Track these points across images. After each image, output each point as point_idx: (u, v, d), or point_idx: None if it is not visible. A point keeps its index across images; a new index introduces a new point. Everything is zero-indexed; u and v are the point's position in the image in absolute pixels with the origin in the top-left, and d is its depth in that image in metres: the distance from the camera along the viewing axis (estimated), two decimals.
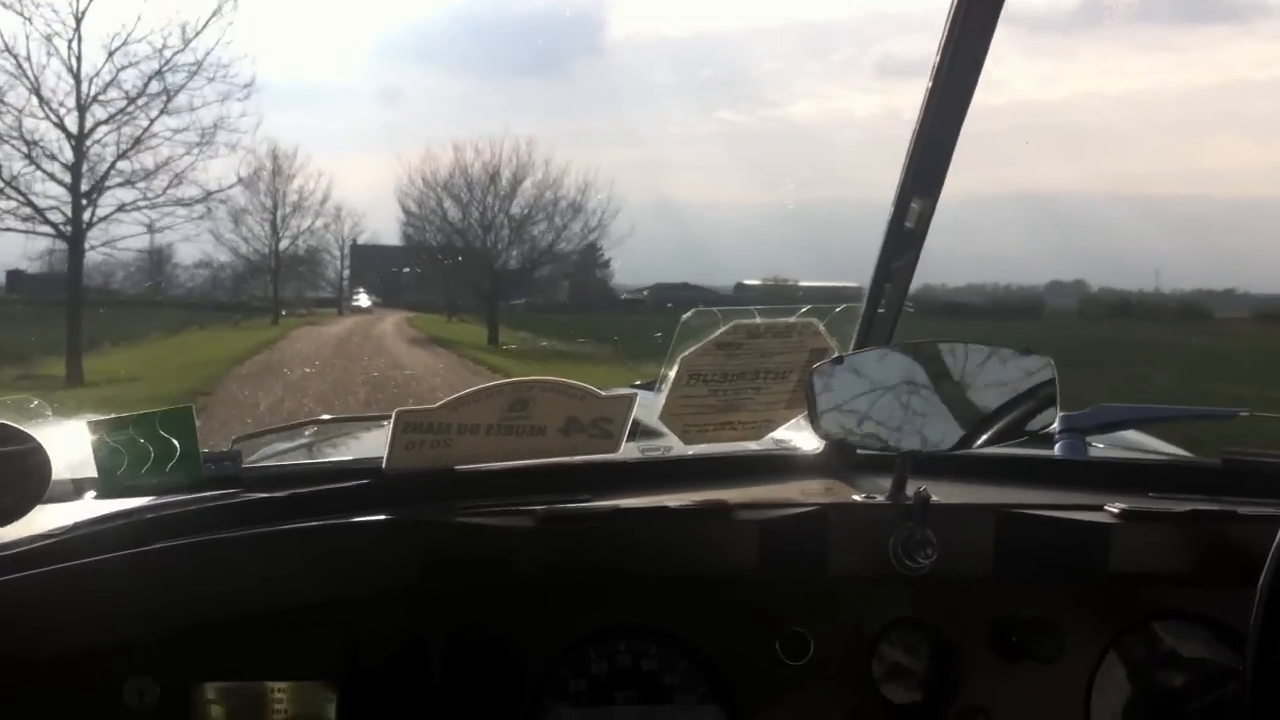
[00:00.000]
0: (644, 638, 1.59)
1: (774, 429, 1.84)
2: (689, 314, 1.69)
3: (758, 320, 1.71)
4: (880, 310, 1.84)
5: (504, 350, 22.03)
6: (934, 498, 1.60)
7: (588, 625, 1.58)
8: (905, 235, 1.79)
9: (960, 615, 1.65)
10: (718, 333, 1.69)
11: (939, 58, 1.63)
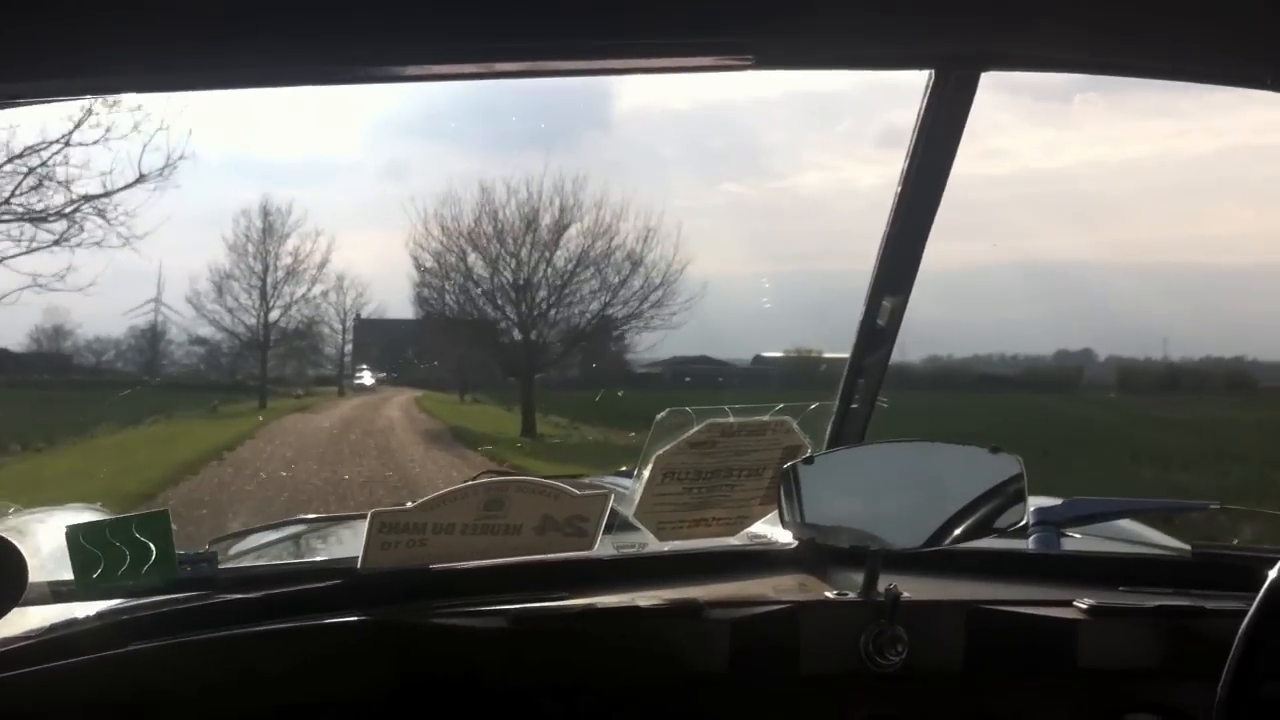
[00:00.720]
0: None
1: (749, 525, 1.85)
2: (662, 414, 1.71)
3: (731, 419, 1.73)
4: (854, 406, 1.86)
5: (547, 443, 18.00)
6: (905, 594, 1.62)
7: None
8: (877, 333, 1.82)
9: (932, 711, 1.66)
10: (691, 432, 1.71)
11: (906, 164, 1.67)
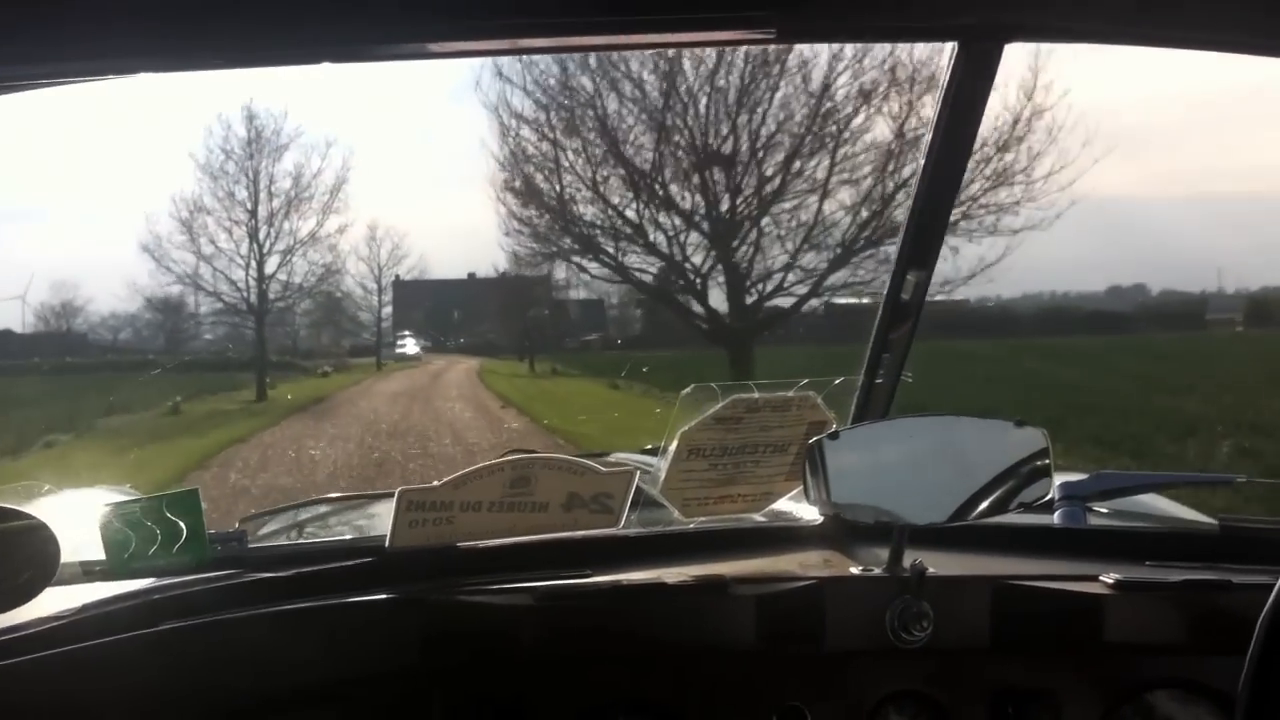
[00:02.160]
0: (643, 713, 1.60)
1: (774, 501, 1.86)
2: (687, 390, 1.72)
3: (755, 395, 1.73)
4: (878, 380, 1.86)
5: None
6: (930, 569, 1.62)
7: (588, 701, 1.59)
8: (902, 307, 1.82)
9: (957, 686, 1.66)
10: (716, 407, 1.71)
11: (930, 138, 1.67)
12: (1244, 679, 1.31)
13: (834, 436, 1.66)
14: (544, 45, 1.35)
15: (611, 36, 1.40)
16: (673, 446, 1.72)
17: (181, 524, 1.54)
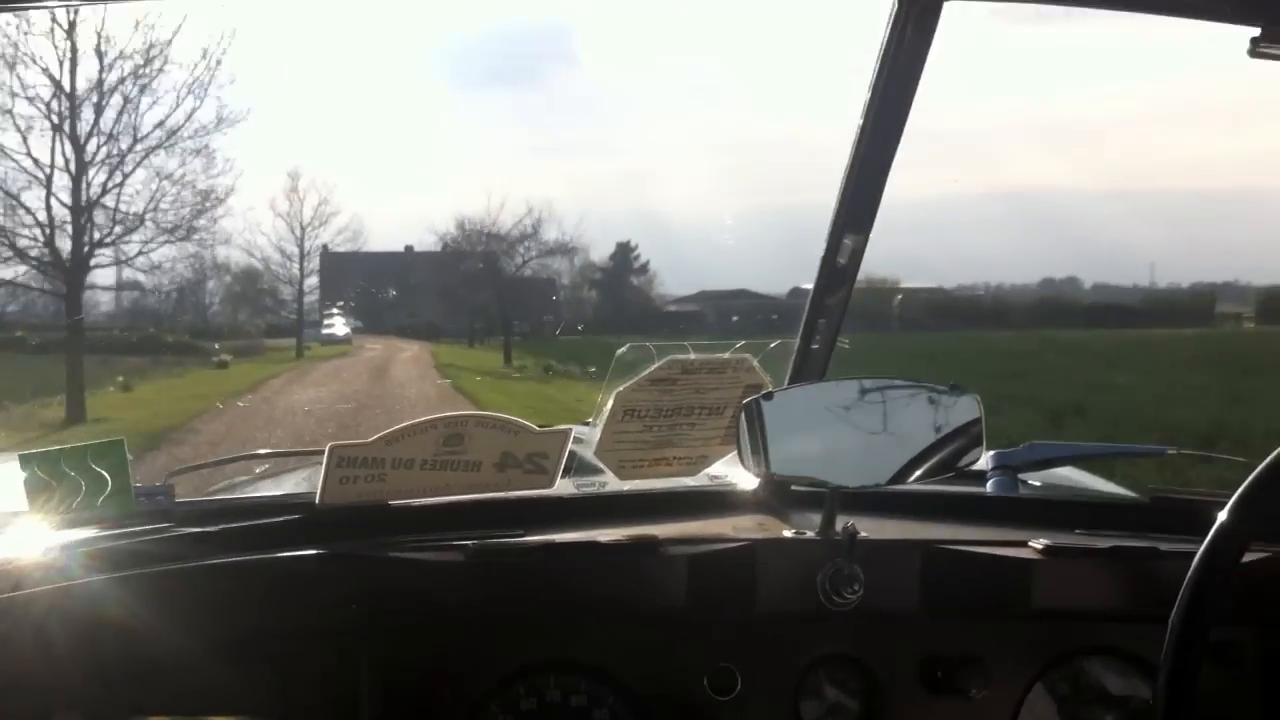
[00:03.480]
0: (573, 673, 1.60)
1: (709, 465, 1.86)
2: (623, 349, 1.71)
3: (692, 356, 1.73)
4: (814, 346, 1.87)
5: None
6: (862, 533, 1.63)
7: (517, 661, 1.59)
8: (838, 271, 1.82)
9: (887, 650, 1.67)
10: (652, 368, 1.71)
11: (868, 98, 1.67)
12: (1166, 644, 1.33)
13: (768, 397, 1.66)
14: None
15: None
16: (608, 406, 1.72)
17: (106, 475, 1.52)
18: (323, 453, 1.60)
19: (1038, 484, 2.13)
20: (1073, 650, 1.71)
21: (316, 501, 1.60)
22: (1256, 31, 1.52)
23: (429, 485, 1.65)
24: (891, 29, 1.57)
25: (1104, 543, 1.71)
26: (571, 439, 1.72)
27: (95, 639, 1.43)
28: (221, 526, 1.57)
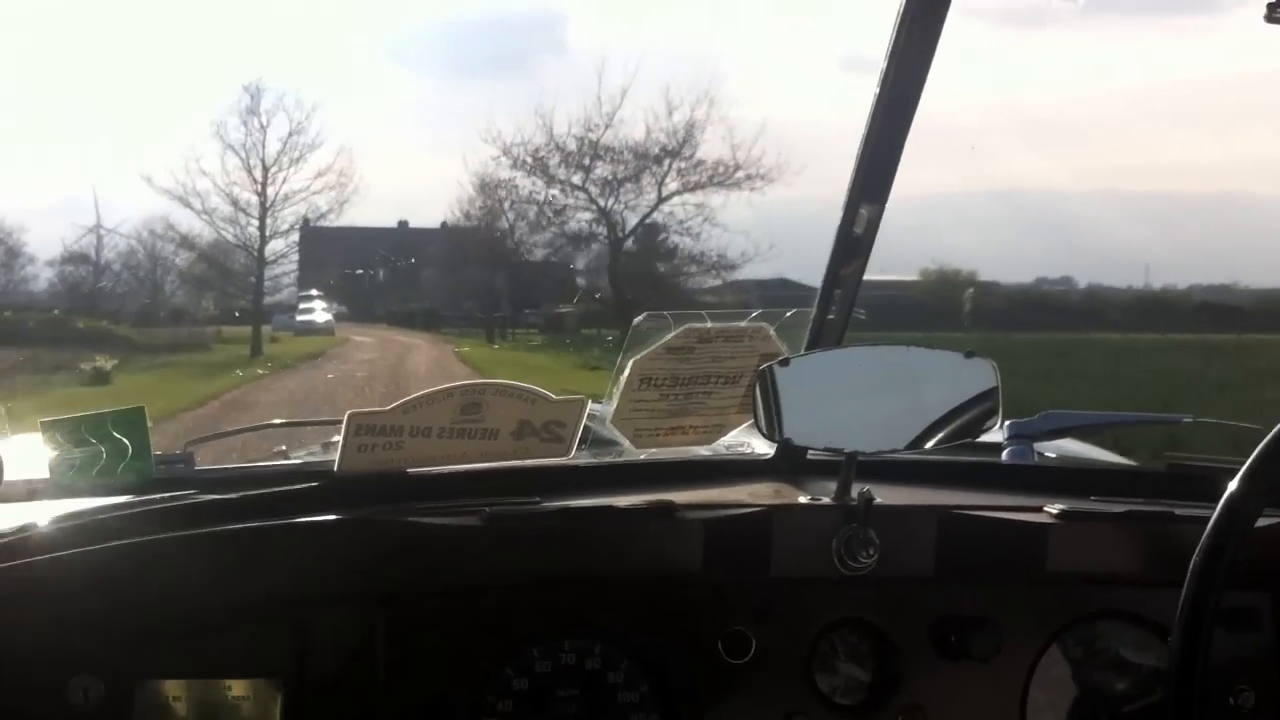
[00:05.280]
0: (588, 637, 1.61)
1: (725, 433, 1.86)
2: (640, 318, 1.72)
3: (709, 324, 1.73)
4: (830, 316, 1.87)
5: None
6: (878, 499, 1.63)
7: (532, 625, 1.60)
8: (854, 241, 1.83)
9: (902, 615, 1.67)
10: (669, 336, 1.71)
11: (885, 66, 1.67)
12: (1180, 609, 1.34)
13: (784, 364, 1.66)
14: None
15: None
16: (624, 375, 1.72)
17: (127, 442, 1.53)
18: (340, 422, 1.61)
19: (1054, 456, 2.13)
20: (1087, 614, 1.72)
21: (335, 469, 1.61)
22: None
23: (447, 453, 1.66)
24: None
25: (1119, 508, 1.71)
26: (588, 411, 1.73)
27: (115, 604, 1.45)
28: (241, 494, 1.58)
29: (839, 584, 1.63)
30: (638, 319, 1.72)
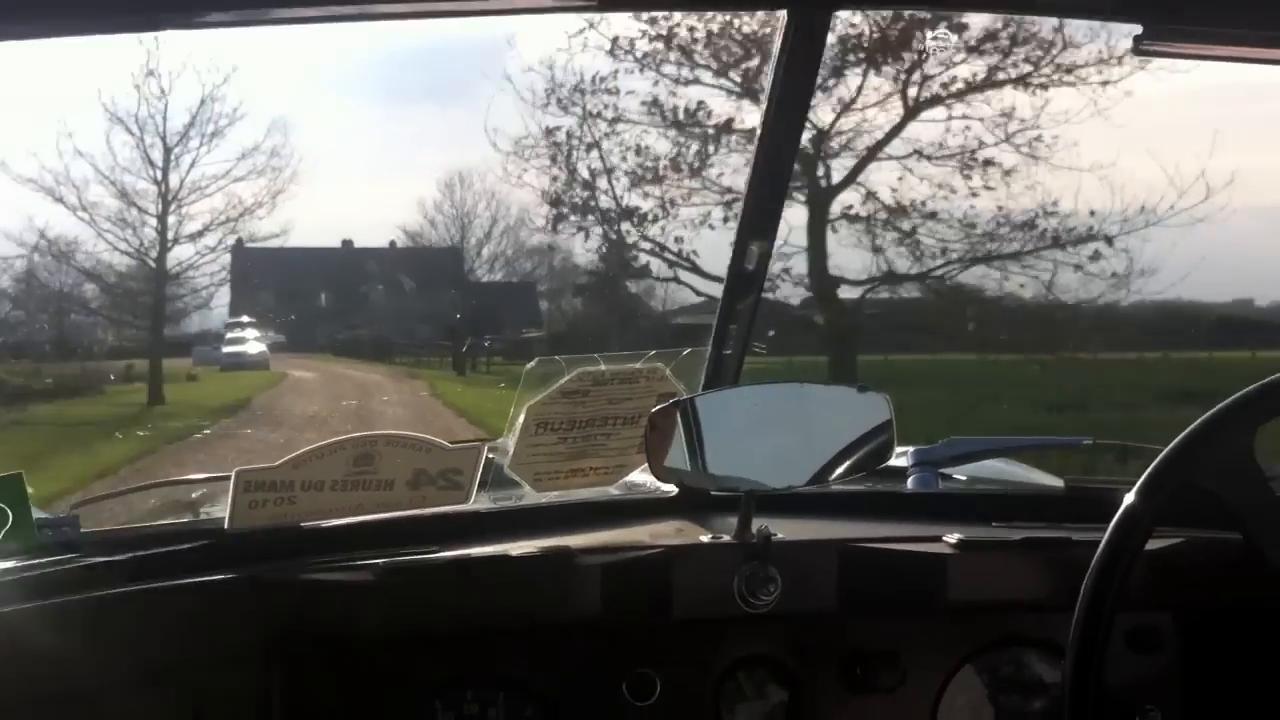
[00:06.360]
0: (491, 686, 1.60)
1: (627, 474, 1.86)
2: (531, 363, 1.72)
3: (603, 367, 1.74)
4: (726, 352, 1.88)
5: None
6: (778, 535, 1.64)
7: (434, 676, 1.59)
8: (746, 277, 1.84)
9: (807, 650, 1.68)
10: (562, 381, 1.71)
11: (765, 108, 1.69)
12: (1074, 625, 1.35)
13: (679, 405, 1.67)
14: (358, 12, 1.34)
15: (432, 4, 1.40)
16: (520, 421, 1.72)
17: (6, 509, 1.50)
18: (229, 478, 1.59)
19: (961, 477, 2.15)
20: (991, 642, 1.74)
21: (225, 526, 1.59)
22: (1139, 29, 1.56)
23: (341, 505, 1.65)
24: (784, 38, 1.59)
25: (1018, 535, 1.73)
26: (485, 453, 1.72)
27: (3, 672, 1.41)
28: (129, 555, 1.56)
29: (742, 621, 1.63)
30: (529, 365, 1.72)
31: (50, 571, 1.51)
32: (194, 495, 2.11)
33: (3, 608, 1.42)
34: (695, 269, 13.40)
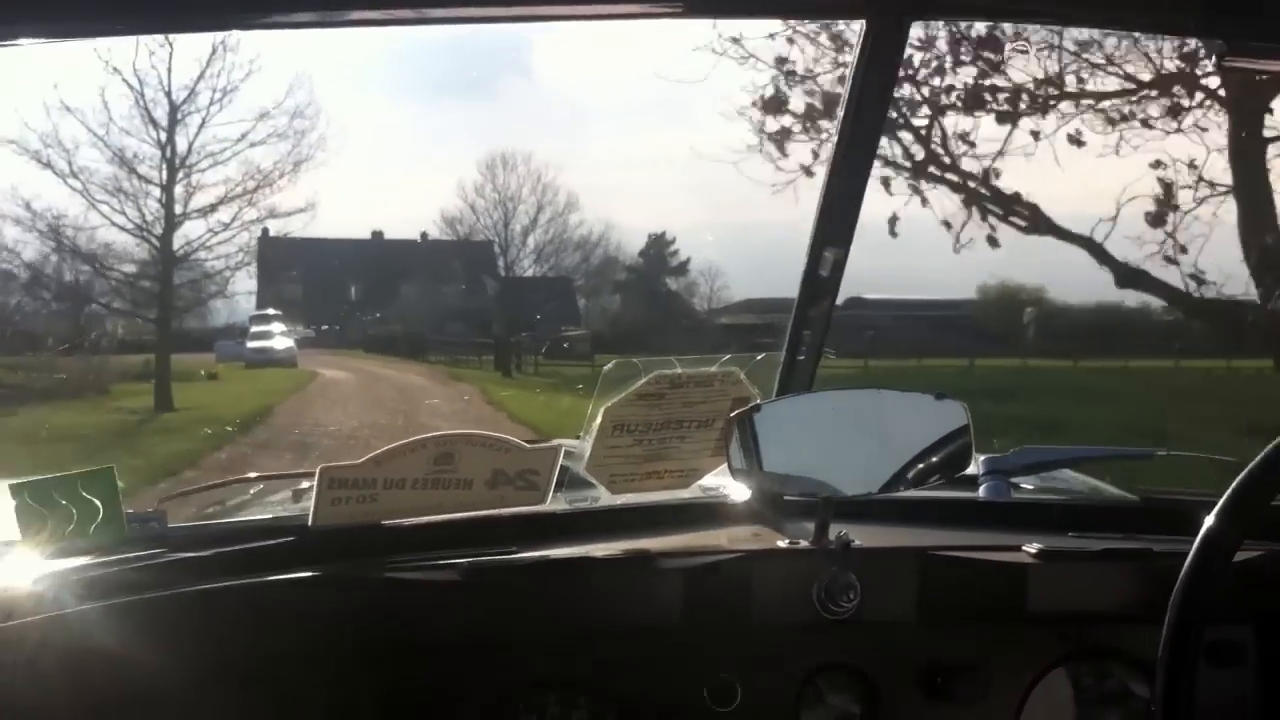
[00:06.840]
0: (573, 689, 1.60)
1: (701, 477, 1.87)
2: (609, 365, 1.73)
3: (679, 370, 1.74)
4: (800, 357, 1.88)
5: None
6: (856, 541, 1.63)
7: (517, 678, 1.59)
8: (820, 283, 1.84)
9: (886, 658, 1.67)
10: (639, 384, 1.72)
11: (841, 115, 1.69)
12: (1162, 646, 1.33)
13: (757, 410, 1.67)
14: (447, 15, 1.36)
15: (519, 8, 1.42)
16: (596, 423, 1.73)
17: (98, 503, 1.52)
18: (314, 474, 1.61)
19: (1029, 486, 2.14)
20: (1071, 653, 1.72)
21: (309, 523, 1.61)
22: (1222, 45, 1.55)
23: (421, 504, 1.66)
24: (861, 46, 1.60)
25: (1097, 545, 1.71)
26: (562, 455, 1.73)
27: (88, 668, 1.43)
28: (214, 551, 1.58)
29: (822, 628, 1.63)
30: (607, 367, 1.73)
31: (137, 567, 1.53)
32: (275, 494, 2.14)
33: (91, 603, 1.44)
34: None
